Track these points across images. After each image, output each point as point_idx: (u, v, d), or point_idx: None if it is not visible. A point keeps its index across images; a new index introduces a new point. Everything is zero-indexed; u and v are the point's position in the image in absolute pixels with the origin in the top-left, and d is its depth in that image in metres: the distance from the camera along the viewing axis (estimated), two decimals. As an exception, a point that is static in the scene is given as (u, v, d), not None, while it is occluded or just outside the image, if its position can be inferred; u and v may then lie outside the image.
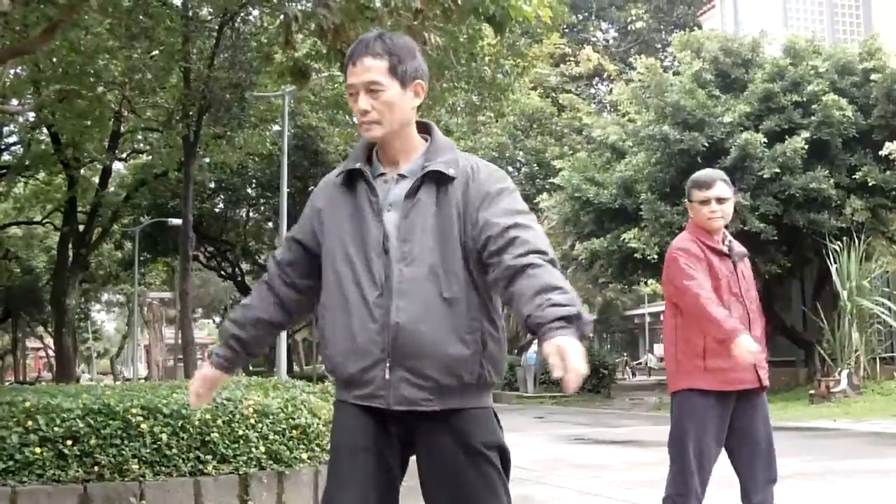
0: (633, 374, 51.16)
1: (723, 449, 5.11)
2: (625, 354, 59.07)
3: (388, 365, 3.01)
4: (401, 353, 3.00)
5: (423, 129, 3.26)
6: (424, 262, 3.02)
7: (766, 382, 5.07)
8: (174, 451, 7.40)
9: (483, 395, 3.12)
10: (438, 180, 3.10)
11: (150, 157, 33.16)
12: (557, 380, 2.66)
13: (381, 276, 3.03)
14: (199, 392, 3.41)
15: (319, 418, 8.40)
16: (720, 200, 5.15)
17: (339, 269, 3.10)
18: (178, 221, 29.08)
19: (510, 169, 35.83)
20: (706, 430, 5.02)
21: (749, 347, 4.59)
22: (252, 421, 7.90)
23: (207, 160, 33.48)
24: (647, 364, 56.52)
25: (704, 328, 4.92)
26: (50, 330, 48.44)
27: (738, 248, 5.27)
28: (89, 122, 25.92)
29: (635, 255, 22.90)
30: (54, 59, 19.52)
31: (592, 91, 43.20)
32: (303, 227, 3.30)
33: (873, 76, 22.72)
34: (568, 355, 2.61)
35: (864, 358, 21.71)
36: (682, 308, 5.11)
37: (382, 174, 3.17)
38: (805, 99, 22.62)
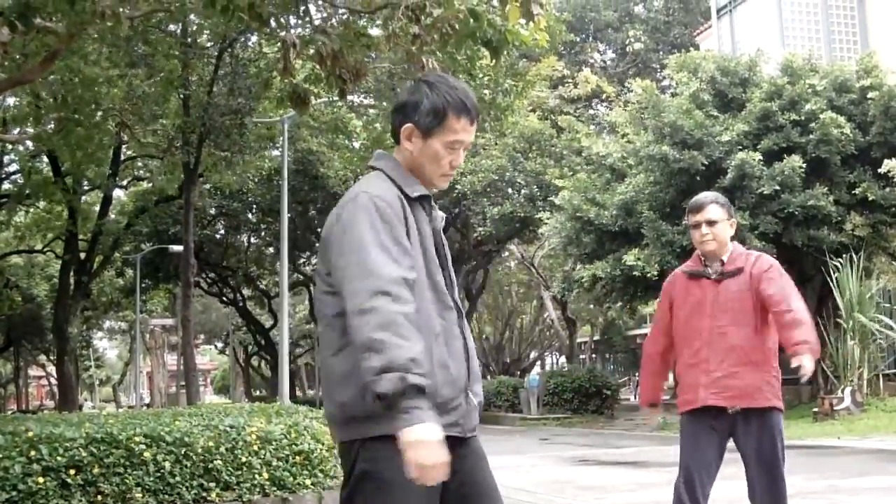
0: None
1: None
2: (636, 374, 58.92)
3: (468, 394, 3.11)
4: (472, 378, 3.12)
5: None
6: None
7: (715, 402, 5.12)
8: (177, 478, 7.40)
9: None
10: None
11: (150, 184, 33.24)
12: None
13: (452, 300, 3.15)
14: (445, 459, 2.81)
15: (322, 444, 8.40)
16: (710, 223, 5.24)
17: (427, 295, 3.06)
18: (179, 248, 29.09)
19: (510, 191, 35.85)
20: (686, 447, 5.21)
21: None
22: (255, 447, 7.90)
23: (208, 186, 33.54)
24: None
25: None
26: (52, 358, 48.42)
27: (734, 265, 5.29)
28: (89, 150, 25.96)
29: (634, 273, 22.91)
30: (53, 88, 19.56)
31: (591, 112, 43.27)
32: (413, 247, 3.04)
33: (871, 93, 22.78)
34: None
35: (867, 374, 21.68)
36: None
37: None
38: (803, 117, 22.67)
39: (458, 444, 3.04)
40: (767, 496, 5.10)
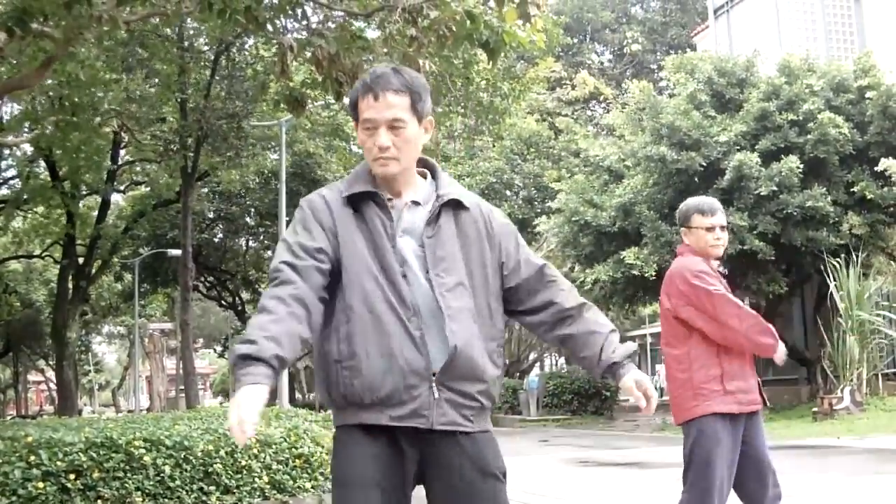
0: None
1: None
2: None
3: (433, 385, 3.02)
4: (451, 374, 3.03)
5: (423, 163, 3.29)
6: (461, 288, 3.12)
7: (757, 406, 5.19)
8: (177, 482, 7.39)
9: (489, 417, 3.21)
10: (455, 209, 3.18)
11: (148, 189, 33.23)
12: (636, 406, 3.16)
13: (412, 299, 3.04)
14: (246, 419, 2.76)
15: (322, 447, 8.40)
16: (723, 228, 5.27)
17: (367, 287, 3.04)
18: (177, 252, 29.10)
19: (508, 193, 35.87)
20: (728, 454, 5.06)
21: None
22: (255, 451, 7.89)
23: (206, 190, 33.54)
24: (657, 385, 55.91)
25: (751, 338, 5.13)
26: (51, 363, 48.39)
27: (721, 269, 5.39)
28: (87, 154, 25.96)
29: (633, 272, 22.92)
30: (51, 93, 19.57)
31: (589, 114, 43.30)
32: (316, 238, 3.08)
33: (868, 93, 22.78)
34: (646, 386, 3.15)
35: (867, 374, 21.67)
36: (706, 330, 5.17)
37: (390, 199, 3.17)
38: (801, 117, 22.67)
39: (438, 439, 3.05)
40: (770, 483, 5.11)
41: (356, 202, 3.14)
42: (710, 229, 5.23)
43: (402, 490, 3.09)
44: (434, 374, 3.01)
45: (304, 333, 2.93)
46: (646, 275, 22.73)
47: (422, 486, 3.17)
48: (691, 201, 5.46)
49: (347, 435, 3.09)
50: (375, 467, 3.04)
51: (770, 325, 5.20)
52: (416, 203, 3.16)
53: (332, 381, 3.06)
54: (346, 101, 3.43)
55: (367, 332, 3.02)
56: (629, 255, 23.10)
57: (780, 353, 5.14)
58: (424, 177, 3.26)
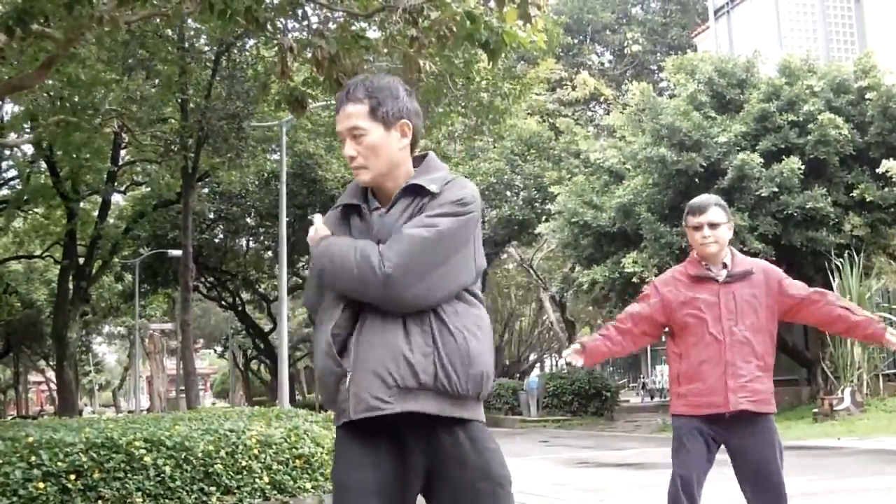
0: (652, 397, 50.15)
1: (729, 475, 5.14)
2: (641, 376, 58.81)
3: (346, 380, 3.08)
4: (359, 362, 3.09)
5: (421, 158, 3.30)
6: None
7: (747, 407, 5.04)
8: (178, 483, 7.39)
9: (471, 406, 3.18)
10: (413, 194, 3.15)
11: (149, 189, 33.23)
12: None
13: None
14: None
15: (323, 447, 8.39)
16: (713, 225, 5.17)
17: (329, 296, 3.19)
18: (177, 252, 29.10)
19: (508, 194, 35.87)
20: (686, 454, 5.12)
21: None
22: (255, 451, 7.89)
23: (206, 190, 33.53)
24: (659, 386, 55.37)
25: None
26: (51, 363, 48.37)
27: (742, 267, 5.26)
28: (88, 155, 25.98)
29: (633, 279, 22.92)
30: (51, 93, 19.59)
31: (589, 115, 43.30)
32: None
33: (869, 94, 22.78)
34: None
35: (867, 375, 21.68)
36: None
37: (378, 208, 3.20)
38: (801, 118, 22.67)
39: (427, 435, 3.09)
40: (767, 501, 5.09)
41: (346, 214, 3.24)
42: (696, 228, 5.21)
43: (403, 499, 3.11)
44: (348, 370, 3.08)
45: None
46: (645, 279, 22.72)
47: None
48: (690, 202, 5.46)
49: (348, 435, 3.14)
50: (373, 472, 3.07)
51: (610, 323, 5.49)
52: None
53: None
54: None
55: (315, 341, 3.20)
56: (628, 260, 23.10)
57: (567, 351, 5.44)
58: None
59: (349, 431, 3.11)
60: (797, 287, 5.31)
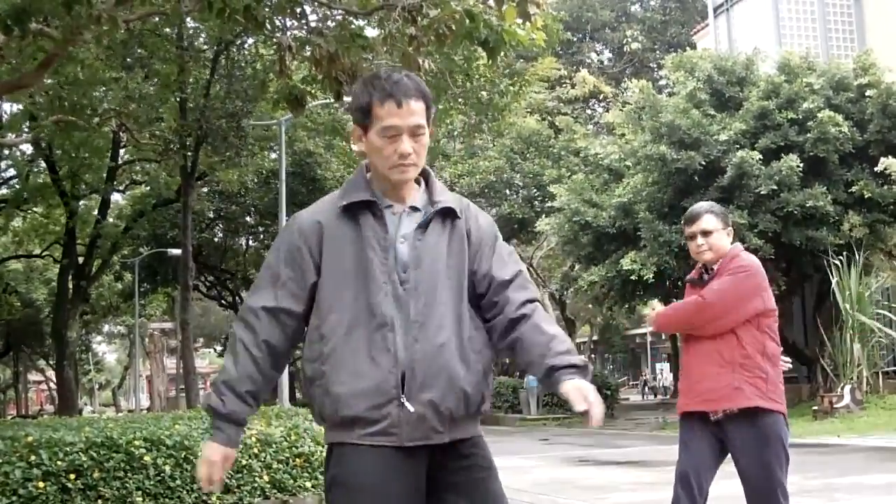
0: (655, 395, 49.95)
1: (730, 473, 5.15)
2: (643, 374, 58.73)
3: (402, 400, 2.98)
4: (423, 386, 2.99)
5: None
6: (442, 293, 3.07)
7: (702, 408, 5.13)
8: (178, 482, 7.39)
9: (478, 423, 3.21)
10: (445, 217, 3.13)
11: (148, 188, 33.20)
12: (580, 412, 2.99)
13: (389, 311, 3.01)
14: (214, 477, 3.09)
15: (322, 446, 8.38)
16: (705, 233, 5.24)
17: (344, 304, 3.05)
18: (177, 251, 29.08)
19: (507, 192, 35.85)
20: (686, 453, 5.21)
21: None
22: (255, 450, 7.89)
23: (206, 189, 33.51)
24: (660, 385, 55.17)
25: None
26: (51, 363, 48.37)
27: (717, 271, 5.28)
28: (87, 154, 25.97)
29: (632, 277, 22.93)
30: (50, 93, 19.56)
31: (589, 113, 43.29)
32: (295, 270, 3.13)
33: (868, 92, 22.79)
34: (587, 391, 3.02)
35: (867, 372, 21.68)
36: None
37: (390, 206, 3.14)
38: (801, 116, 22.67)
39: (450, 448, 3.05)
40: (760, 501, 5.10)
41: (353, 212, 3.12)
42: (691, 237, 5.32)
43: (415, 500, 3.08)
44: (403, 389, 2.97)
45: (273, 377, 3.20)
46: (644, 278, 22.74)
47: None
48: (686, 212, 5.54)
49: (351, 451, 3.03)
50: (397, 488, 3.03)
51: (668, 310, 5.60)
52: (414, 209, 3.14)
53: (313, 399, 3.10)
54: (350, 102, 3.28)
55: (337, 351, 3.02)
56: (626, 260, 23.11)
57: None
58: (418, 183, 3.21)
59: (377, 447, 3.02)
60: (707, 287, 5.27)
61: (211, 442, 3.09)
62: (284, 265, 3.13)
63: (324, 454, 8.35)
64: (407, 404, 2.96)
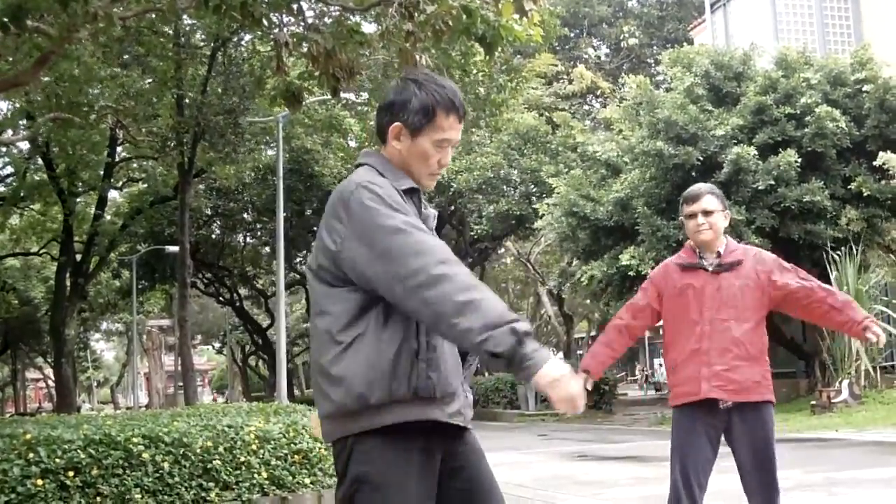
0: (657, 390, 49.71)
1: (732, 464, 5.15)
2: (644, 369, 58.66)
3: (464, 384, 3.15)
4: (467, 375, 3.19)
5: None
6: None
7: (718, 395, 5.10)
8: (176, 479, 7.39)
9: None
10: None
11: (145, 185, 33.21)
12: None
13: None
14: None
15: (321, 443, 8.39)
16: (707, 213, 5.23)
17: None
18: (175, 249, 29.07)
19: (505, 188, 35.83)
20: (682, 443, 5.19)
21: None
22: (254, 447, 7.89)
23: (203, 186, 33.49)
24: (663, 378, 54.86)
25: None
26: (49, 360, 48.39)
27: (732, 257, 5.26)
28: (84, 151, 25.95)
29: (630, 273, 22.93)
30: (46, 90, 19.55)
31: (586, 108, 43.29)
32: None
33: (866, 86, 22.78)
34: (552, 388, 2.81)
35: (865, 367, 21.69)
36: None
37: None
38: (798, 111, 22.65)
39: (460, 435, 3.11)
40: (763, 490, 5.10)
41: (409, 196, 3.16)
42: (691, 216, 5.28)
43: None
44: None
45: None
46: (642, 273, 22.73)
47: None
48: (685, 192, 5.51)
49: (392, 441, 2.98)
50: (430, 483, 3.07)
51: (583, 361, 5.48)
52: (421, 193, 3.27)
53: (400, 373, 2.94)
54: (400, 97, 3.20)
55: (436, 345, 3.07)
56: (625, 256, 23.09)
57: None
58: None
59: (407, 438, 2.99)
60: (790, 277, 5.23)
61: (549, 362, 2.79)
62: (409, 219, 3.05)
63: (322, 450, 8.33)
64: (467, 387, 3.15)
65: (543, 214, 27.10)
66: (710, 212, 5.21)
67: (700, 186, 5.43)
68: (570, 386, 2.78)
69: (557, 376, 2.76)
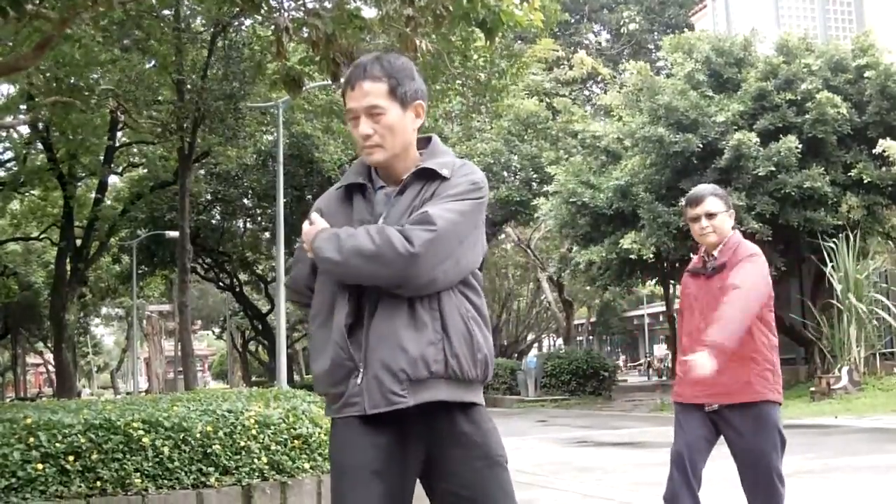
0: (660, 376, 49.60)
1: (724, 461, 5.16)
2: (648, 356, 58.70)
3: (358, 372, 3.05)
4: (372, 356, 3.03)
5: (425, 141, 3.29)
6: None
7: (703, 400, 5.13)
8: (176, 463, 7.38)
9: (473, 389, 3.18)
10: (424, 178, 3.14)
11: (145, 171, 33.17)
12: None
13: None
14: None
15: (321, 427, 8.39)
16: (710, 216, 5.20)
17: (327, 280, 3.14)
18: (175, 234, 29.04)
19: (506, 174, 35.80)
20: (678, 433, 5.23)
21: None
22: (253, 432, 7.89)
23: (203, 172, 33.47)
24: (666, 364, 54.49)
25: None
26: (49, 345, 48.44)
27: (721, 259, 5.20)
28: (84, 136, 25.93)
29: (631, 256, 22.92)
30: (47, 74, 19.52)
31: (586, 94, 43.21)
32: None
33: (867, 73, 22.73)
34: None
35: (864, 354, 21.71)
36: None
37: (383, 187, 3.18)
38: (799, 97, 22.62)
39: (401, 420, 3.05)
40: (757, 489, 5.10)
41: (349, 194, 3.20)
42: (694, 220, 5.26)
43: (402, 479, 3.10)
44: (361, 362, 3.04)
45: None
46: (643, 257, 22.74)
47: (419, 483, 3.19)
48: (687, 194, 5.50)
49: (343, 423, 3.12)
50: (374, 455, 3.05)
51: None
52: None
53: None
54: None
55: (316, 328, 3.16)
56: (627, 239, 23.07)
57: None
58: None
59: (350, 418, 3.08)
60: (734, 275, 5.02)
61: None
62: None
63: (322, 435, 8.35)
64: (360, 373, 3.04)
65: (541, 206, 27.10)
66: (713, 214, 5.19)
67: (702, 188, 5.38)
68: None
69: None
